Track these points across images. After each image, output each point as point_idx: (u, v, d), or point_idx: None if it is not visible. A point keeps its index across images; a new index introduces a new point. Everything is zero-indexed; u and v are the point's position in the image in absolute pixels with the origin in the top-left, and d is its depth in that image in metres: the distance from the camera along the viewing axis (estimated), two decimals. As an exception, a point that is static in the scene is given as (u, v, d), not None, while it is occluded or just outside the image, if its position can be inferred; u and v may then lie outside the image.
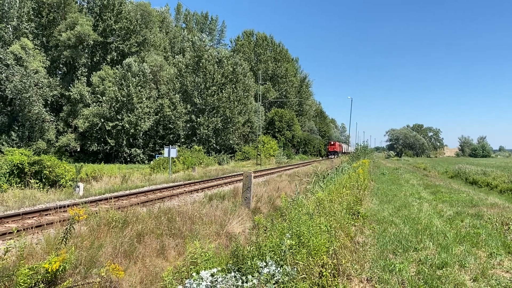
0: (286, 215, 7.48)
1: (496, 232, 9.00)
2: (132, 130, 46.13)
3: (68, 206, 11.60)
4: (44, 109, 43.43)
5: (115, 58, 51.73)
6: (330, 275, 4.91)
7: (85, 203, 11.70)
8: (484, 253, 7.31)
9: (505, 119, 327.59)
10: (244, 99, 56.28)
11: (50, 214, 11.08)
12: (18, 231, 7.67)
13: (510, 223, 9.89)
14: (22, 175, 20.58)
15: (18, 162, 20.55)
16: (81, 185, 17.36)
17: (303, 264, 4.85)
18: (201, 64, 51.73)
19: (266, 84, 71.79)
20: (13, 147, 34.99)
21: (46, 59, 45.69)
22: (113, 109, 45.57)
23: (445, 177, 36.62)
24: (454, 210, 12.33)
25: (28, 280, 4.33)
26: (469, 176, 34.74)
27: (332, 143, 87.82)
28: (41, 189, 18.74)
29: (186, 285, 4.11)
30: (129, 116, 45.69)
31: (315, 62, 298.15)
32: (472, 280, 5.89)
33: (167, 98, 50.47)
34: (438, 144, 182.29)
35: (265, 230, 6.07)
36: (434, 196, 16.44)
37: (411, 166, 55.92)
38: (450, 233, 8.76)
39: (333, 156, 78.11)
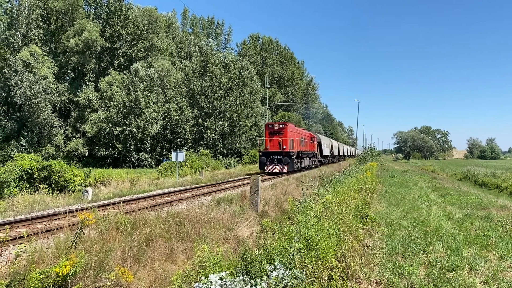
0: (294, 218, 7.47)
1: (506, 235, 8.91)
2: (139, 135, 46.40)
3: (77, 210, 11.68)
4: (53, 114, 43.97)
5: (123, 63, 52.18)
6: (339, 278, 4.90)
7: (94, 207, 11.77)
8: (495, 256, 7.25)
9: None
10: (251, 102, 56.40)
11: (59, 218, 11.16)
12: (28, 235, 7.77)
13: (521, 226, 9.78)
14: (32, 180, 20.82)
15: (28, 167, 20.80)
16: (89, 189, 17.43)
17: (312, 268, 4.85)
18: (207, 69, 51.96)
19: (272, 87, 71.92)
20: (22, 152, 35.44)
21: (54, 65, 46.23)
22: (120, 114, 45.89)
23: (454, 179, 36.31)
24: (463, 213, 12.23)
25: (39, 284, 4.37)
26: (478, 178, 34.42)
27: (276, 128, 29.52)
28: (50, 194, 18.89)
29: (195, 288, 4.13)
30: (136, 121, 45.97)
31: (321, 65, 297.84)
32: (482, 283, 5.84)
33: (174, 103, 50.72)
34: (447, 146, 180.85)
35: (273, 234, 6.07)
36: (443, 199, 16.31)
37: (420, 169, 55.52)
38: (460, 235, 8.68)
39: (273, 167, 29.44)
